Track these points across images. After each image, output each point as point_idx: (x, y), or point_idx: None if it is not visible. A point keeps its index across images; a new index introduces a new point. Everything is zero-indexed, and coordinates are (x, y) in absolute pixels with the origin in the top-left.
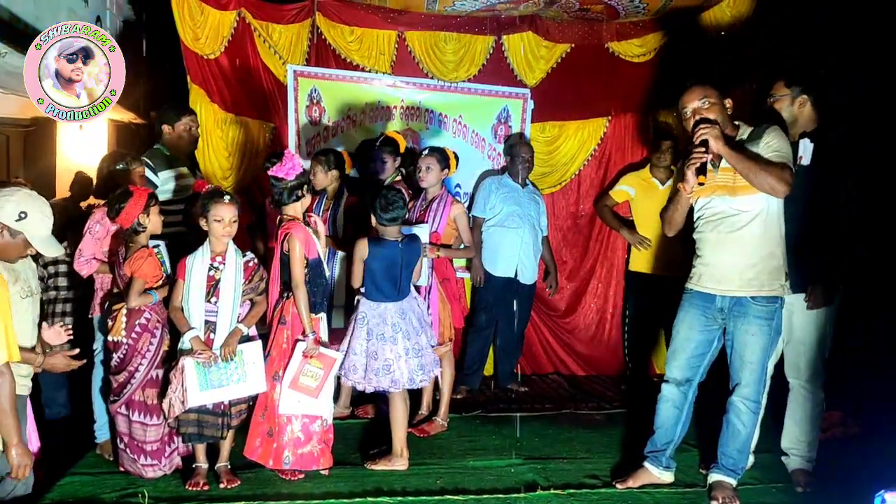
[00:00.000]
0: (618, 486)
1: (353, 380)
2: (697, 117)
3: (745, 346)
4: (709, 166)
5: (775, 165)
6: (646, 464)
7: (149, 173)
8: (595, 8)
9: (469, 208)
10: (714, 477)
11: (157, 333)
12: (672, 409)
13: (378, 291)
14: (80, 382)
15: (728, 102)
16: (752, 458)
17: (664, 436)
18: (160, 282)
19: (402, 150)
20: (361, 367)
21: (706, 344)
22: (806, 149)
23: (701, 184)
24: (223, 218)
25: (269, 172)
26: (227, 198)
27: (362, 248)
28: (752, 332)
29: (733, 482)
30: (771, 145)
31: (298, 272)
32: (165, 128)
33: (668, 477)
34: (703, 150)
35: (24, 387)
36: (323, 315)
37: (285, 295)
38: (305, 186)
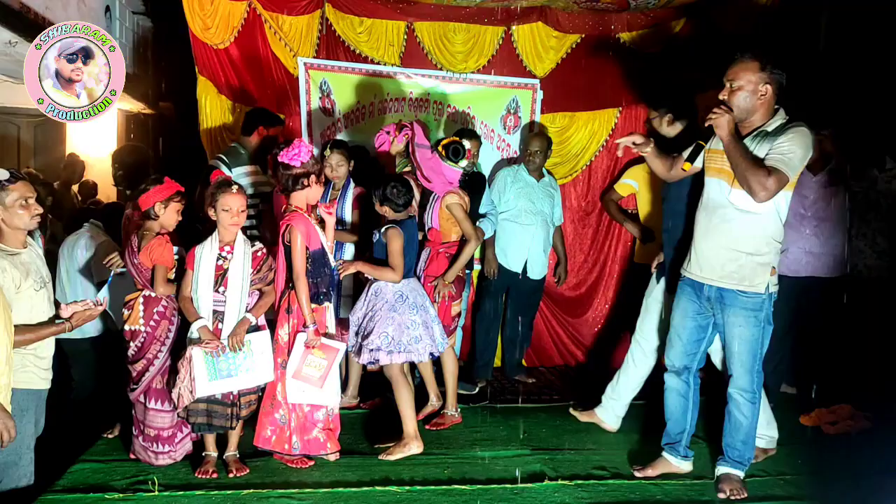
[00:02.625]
0: (636, 473)
1: (414, 352)
2: (724, 97)
3: (734, 338)
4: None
5: (762, 170)
6: (664, 454)
7: (223, 168)
8: None
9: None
10: (721, 469)
11: (175, 320)
12: (678, 398)
13: (407, 268)
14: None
15: (769, 88)
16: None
17: (676, 426)
18: (173, 273)
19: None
20: (416, 338)
21: (700, 330)
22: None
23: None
24: (231, 208)
25: (278, 158)
26: (235, 187)
27: (400, 237)
28: (739, 323)
29: (741, 474)
30: (781, 147)
31: (299, 263)
32: (261, 129)
33: (686, 466)
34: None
35: (44, 380)
36: (328, 305)
37: (291, 285)
38: (313, 176)
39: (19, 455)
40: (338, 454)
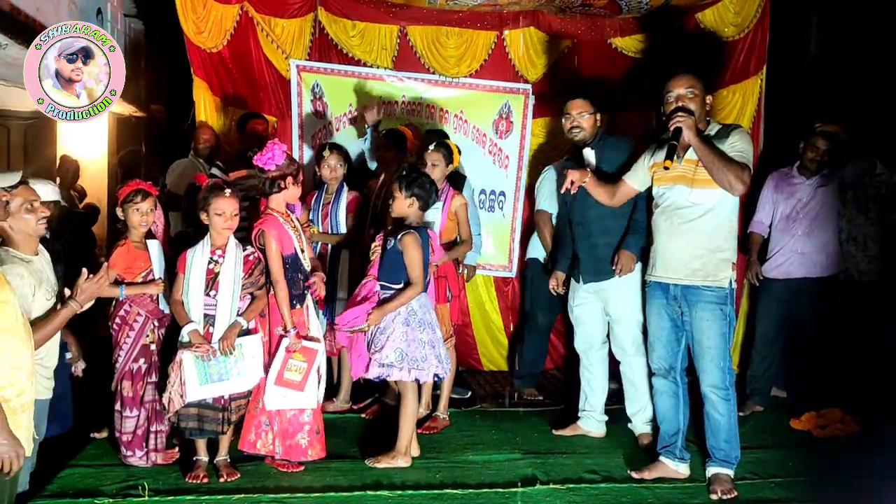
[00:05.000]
0: (633, 474)
1: (424, 370)
2: (678, 104)
3: (702, 333)
4: (674, 157)
5: (737, 164)
6: (661, 458)
7: (218, 173)
8: (597, 3)
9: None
10: (711, 470)
11: (136, 327)
12: (668, 398)
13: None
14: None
15: (709, 99)
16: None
17: (670, 427)
18: (141, 276)
19: (409, 145)
20: (423, 357)
21: (676, 330)
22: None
23: (666, 168)
24: (224, 211)
25: (253, 162)
26: (227, 191)
27: (418, 245)
28: (706, 318)
29: (730, 472)
30: (735, 146)
31: (276, 268)
32: (250, 125)
33: (684, 469)
34: (676, 142)
35: (47, 389)
36: (299, 308)
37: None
38: (290, 178)
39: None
40: (323, 453)
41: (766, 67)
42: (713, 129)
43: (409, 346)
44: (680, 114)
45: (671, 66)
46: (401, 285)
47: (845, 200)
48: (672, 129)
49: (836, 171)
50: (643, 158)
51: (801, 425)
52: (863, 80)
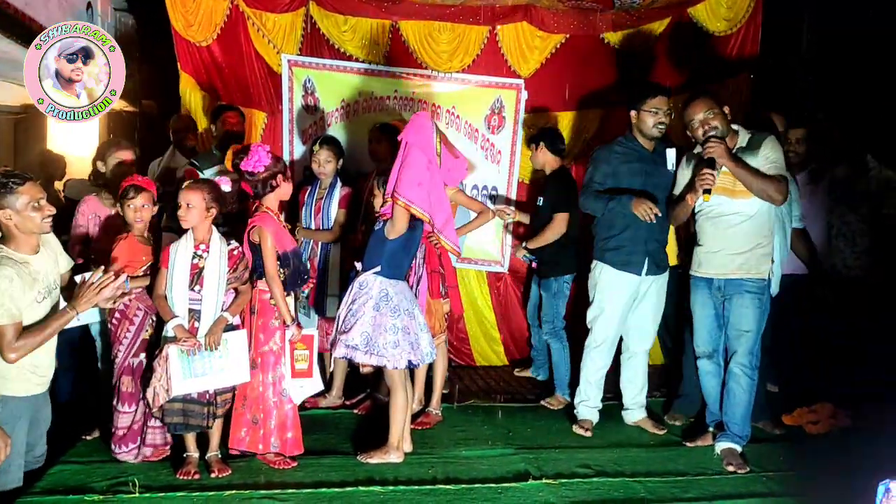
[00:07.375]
0: (688, 444)
1: (388, 357)
2: (706, 127)
3: (741, 318)
4: (715, 174)
5: (773, 178)
6: (711, 429)
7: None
8: None
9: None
10: (723, 445)
11: (136, 321)
12: (712, 378)
13: (399, 269)
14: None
15: (726, 109)
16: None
17: (715, 403)
18: (142, 270)
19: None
20: (393, 343)
21: (718, 318)
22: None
23: (706, 201)
24: (189, 201)
25: (241, 168)
26: (188, 182)
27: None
28: (745, 304)
29: (739, 448)
30: (769, 157)
31: (271, 265)
32: (211, 127)
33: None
34: (713, 169)
35: (40, 385)
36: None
37: (254, 284)
38: (280, 176)
39: (10, 462)
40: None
41: (757, 64)
42: (744, 140)
43: (374, 330)
44: (712, 142)
45: (664, 62)
46: (379, 268)
47: (836, 198)
48: (707, 158)
49: (825, 170)
50: (681, 171)
51: (792, 420)
52: (854, 79)
